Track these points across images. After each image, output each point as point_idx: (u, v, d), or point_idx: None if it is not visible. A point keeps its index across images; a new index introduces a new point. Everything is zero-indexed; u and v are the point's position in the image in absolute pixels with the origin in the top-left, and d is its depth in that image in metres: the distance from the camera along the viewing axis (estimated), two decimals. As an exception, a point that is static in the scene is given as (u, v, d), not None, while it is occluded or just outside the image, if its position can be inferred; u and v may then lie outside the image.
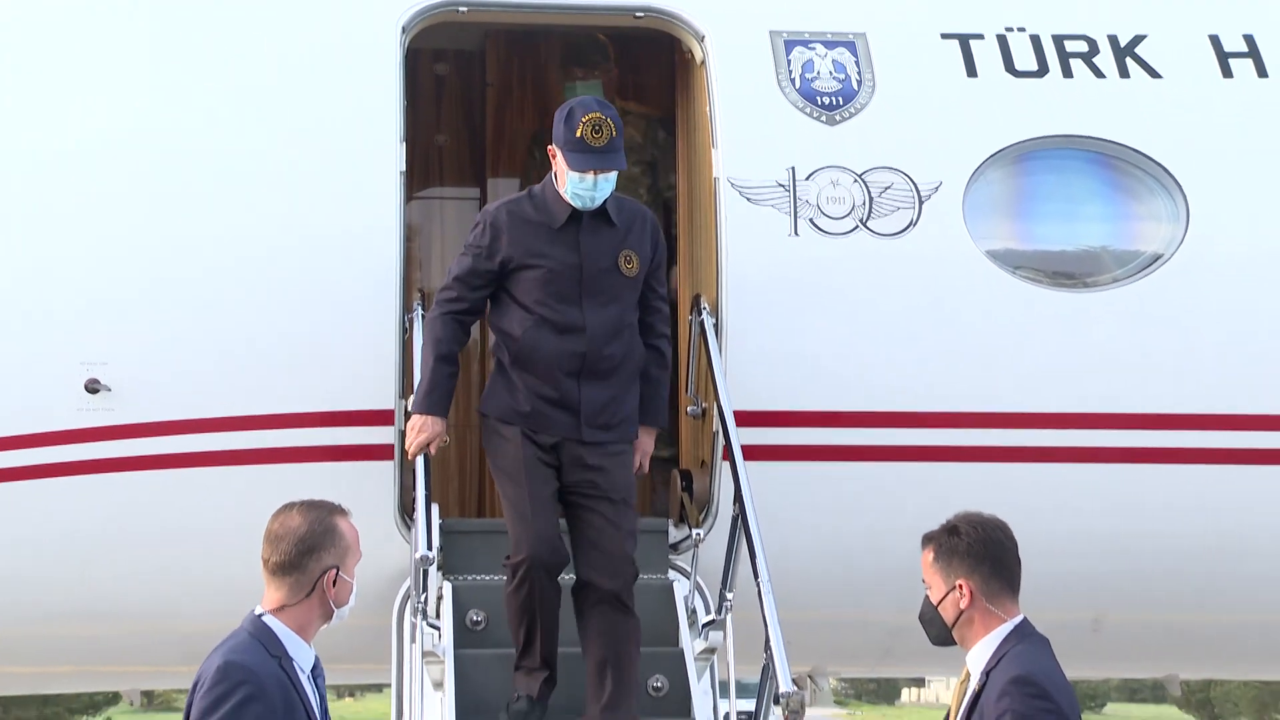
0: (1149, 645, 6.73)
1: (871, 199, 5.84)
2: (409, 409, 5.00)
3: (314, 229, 5.71)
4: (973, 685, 3.78)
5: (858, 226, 5.87)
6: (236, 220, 5.63)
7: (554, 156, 4.73)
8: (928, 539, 4.05)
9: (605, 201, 4.79)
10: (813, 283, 5.92)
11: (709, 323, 5.65)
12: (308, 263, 5.69)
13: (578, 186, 4.66)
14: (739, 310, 5.74)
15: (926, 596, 3.94)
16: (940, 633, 3.95)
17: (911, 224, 5.89)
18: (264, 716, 3.29)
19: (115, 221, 5.57)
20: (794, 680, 5.08)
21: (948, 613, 3.77)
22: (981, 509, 4.37)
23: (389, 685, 5.51)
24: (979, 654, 3.77)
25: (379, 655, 5.48)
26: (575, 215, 4.72)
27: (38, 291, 5.58)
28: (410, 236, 6.05)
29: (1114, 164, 6.14)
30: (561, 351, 4.66)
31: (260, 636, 3.40)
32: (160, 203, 5.58)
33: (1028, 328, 5.98)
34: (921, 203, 5.88)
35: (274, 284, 5.66)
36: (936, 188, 5.89)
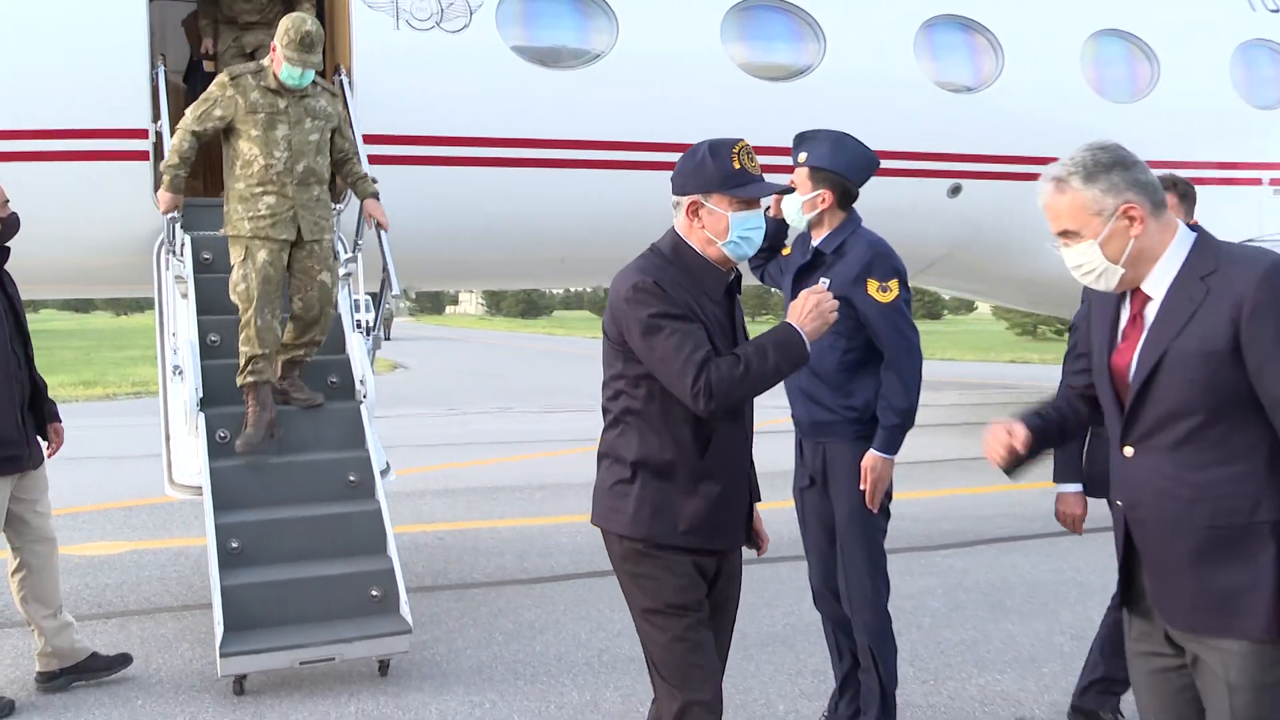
0: (594, 271, 8.97)
1: (443, 9, 7.64)
2: None
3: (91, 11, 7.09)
4: None
5: (434, 26, 7.63)
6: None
7: (693, 214, 3.27)
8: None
9: None
10: (408, 59, 7.66)
11: (347, 81, 7.31)
12: (90, 30, 7.06)
13: (746, 227, 3.28)
14: (363, 74, 7.51)
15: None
16: None
17: (465, 26, 7.73)
18: None
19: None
20: (404, 290, 6.24)
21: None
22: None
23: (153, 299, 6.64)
24: None
25: (147, 280, 6.86)
26: (729, 287, 3.37)
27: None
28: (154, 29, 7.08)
29: (585, -8, 7.89)
30: (744, 452, 3.42)
31: None
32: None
33: (529, 91, 7.99)
34: (472, 13, 7.73)
35: (72, 42, 7.04)
36: (481, 4, 7.72)
